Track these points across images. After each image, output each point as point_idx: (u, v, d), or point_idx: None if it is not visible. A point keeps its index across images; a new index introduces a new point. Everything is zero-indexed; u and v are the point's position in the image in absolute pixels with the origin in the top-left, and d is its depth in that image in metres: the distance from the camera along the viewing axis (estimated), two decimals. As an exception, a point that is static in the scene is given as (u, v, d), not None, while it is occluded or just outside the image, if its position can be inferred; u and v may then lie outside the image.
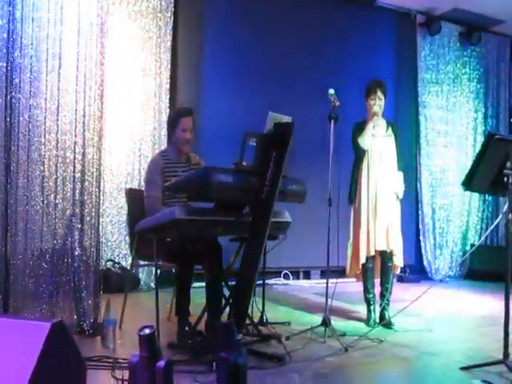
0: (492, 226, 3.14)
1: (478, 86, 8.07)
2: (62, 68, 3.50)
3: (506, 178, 2.96)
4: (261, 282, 4.03)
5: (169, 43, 5.95)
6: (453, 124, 7.88)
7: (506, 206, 3.00)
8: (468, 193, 7.90)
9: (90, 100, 3.64)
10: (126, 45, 5.74)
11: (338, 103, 3.87)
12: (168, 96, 5.93)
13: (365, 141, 4.36)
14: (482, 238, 3.34)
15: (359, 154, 4.39)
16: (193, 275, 3.55)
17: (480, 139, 8.04)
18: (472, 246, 7.87)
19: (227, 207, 3.21)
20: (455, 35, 7.84)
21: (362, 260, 4.36)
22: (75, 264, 3.58)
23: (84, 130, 3.59)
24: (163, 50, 5.91)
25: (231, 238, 3.64)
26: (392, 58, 7.40)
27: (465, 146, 7.99)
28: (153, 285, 5.69)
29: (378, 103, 4.40)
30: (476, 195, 7.99)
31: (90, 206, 3.63)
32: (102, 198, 5.48)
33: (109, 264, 5.63)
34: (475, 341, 4.08)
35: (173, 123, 3.81)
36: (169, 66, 5.95)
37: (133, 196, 3.87)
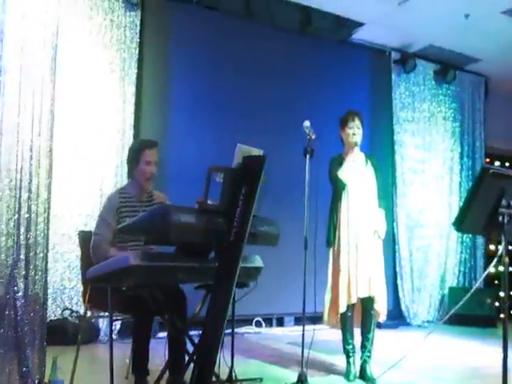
0: (488, 270, 2.83)
1: (454, 125, 7.94)
2: (4, 96, 3.12)
3: (500, 218, 2.65)
4: (229, 332, 3.65)
5: (134, 76, 5.64)
6: (429, 163, 7.69)
7: (501, 248, 2.68)
8: (445, 234, 7.73)
9: (41, 135, 3.27)
10: (88, 76, 5.40)
11: (313, 136, 3.59)
12: (132, 132, 5.58)
13: (345, 174, 4.04)
14: (478, 283, 3.03)
15: (339, 190, 4.06)
16: (151, 328, 3.13)
17: (456, 179, 7.92)
18: (451, 289, 7.61)
19: (190, 251, 2.82)
20: (430, 73, 7.74)
21: (342, 309, 3.99)
22: (18, 317, 3.14)
23: (31, 166, 3.19)
24: (127, 83, 5.59)
25: (196, 285, 3.24)
26: (367, 95, 7.22)
27: (441, 186, 7.79)
28: (114, 336, 5.22)
29: (357, 132, 4.11)
30: (454, 236, 7.81)
31: (38, 250, 3.21)
32: (57, 241, 5.14)
33: (66, 313, 5.15)
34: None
35: (135, 156, 3.45)
36: (133, 100, 5.62)
37: (86, 239, 3.46)
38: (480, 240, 8.06)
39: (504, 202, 2.64)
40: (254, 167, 2.72)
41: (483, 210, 2.67)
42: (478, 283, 3.11)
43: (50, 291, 5.02)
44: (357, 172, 4.11)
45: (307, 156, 3.58)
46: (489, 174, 2.57)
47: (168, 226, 2.48)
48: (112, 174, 5.41)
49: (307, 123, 3.64)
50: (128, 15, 5.63)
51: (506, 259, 2.67)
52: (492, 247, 8.42)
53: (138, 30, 5.69)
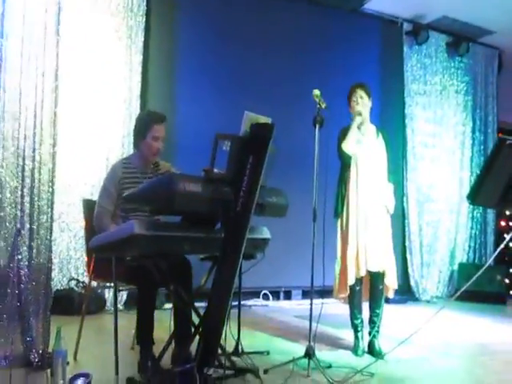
0: (502, 246, 2.72)
1: (466, 99, 7.80)
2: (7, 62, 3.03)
3: (516, 191, 2.56)
4: (236, 304, 3.61)
5: (140, 44, 5.52)
6: (440, 138, 7.56)
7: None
8: (455, 209, 7.64)
9: (43, 103, 3.18)
10: (93, 43, 5.30)
11: (324, 105, 3.47)
12: (139, 102, 5.49)
13: (348, 145, 3.94)
14: (491, 260, 2.94)
15: (345, 162, 3.96)
16: (155, 299, 3.08)
17: (468, 153, 7.79)
18: (460, 265, 7.54)
19: (196, 221, 2.75)
20: (442, 45, 7.55)
21: (351, 281, 3.92)
22: (22, 286, 3.10)
23: (34, 134, 3.12)
24: (134, 52, 5.48)
25: (202, 256, 3.18)
26: (378, 66, 7.05)
27: (452, 160, 7.68)
28: (120, 306, 5.21)
29: (360, 102, 4.01)
30: (464, 211, 7.73)
31: (43, 219, 3.15)
32: (64, 210, 5.10)
33: (72, 283, 5.14)
34: (472, 373, 3.72)
35: (142, 129, 3.34)
36: (140, 69, 5.51)
37: (90, 208, 3.40)
38: (491, 215, 7.97)
39: (520, 174, 2.55)
40: (262, 135, 2.63)
41: (498, 182, 2.58)
42: (491, 260, 3.01)
43: (56, 261, 5.07)
44: (366, 143, 4.02)
45: (317, 126, 3.47)
46: (506, 145, 2.47)
47: (173, 194, 2.40)
48: (118, 144, 5.35)
49: (317, 91, 3.52)
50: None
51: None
52: (503, 223, 8.34)
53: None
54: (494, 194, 2.62)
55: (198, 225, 2.76)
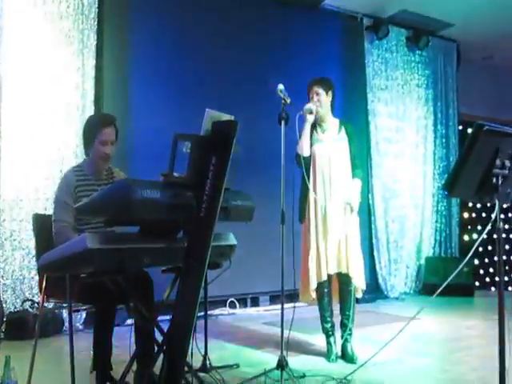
0: (481, 236, 2.57)
1: (427, 92, 7.77)
2: None
3: (495, 179, 2.41)
4: (202, 315, 3.39)
5: (93, 48, 5.22)
6: (403, 133, 7.51)
7: (495, 212, 2.44)
8: (420, 203, 7.60)
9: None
10: (42, 49, 4.97)
11: (288, 100, 3.29)
12: (93, 108, 5.18)
13: (303, 146, 3.77)
14: (471, 253, 2.79)
15: (300, 164, 3.76)
16: (114, 319, 2.83)
17: (430, 147, 7.78)
18: (427, 259, 7.51)
19: (155, 231, 2.51)
20: (403, 39, 7.51)
21: (313, 286, 3.78)
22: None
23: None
24: (86, 57, 5.17)
25: (164, 268, 2.93)
26: (339, 62, 6.92)
27: (416, 155, 7.64)
28: (80, 325, 4.92)
29: (315, 99, 3.84)
30: (429, 206, 7.74)
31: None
32: (15, 227, 4.78)
33: (26, 305, 4.79)
34: (451, 371, 3.61)
35: (90, 134, 3.06)
36: (93, 75, 5.21)
37: (41, 223, 3.11)
38: (455, 208, 8.00)
39: (498, 162, 2.40)
40: (225, 134, 2.41)
41: (476, 171, 2.42)
42: (471, 253, 2.87)
43: (8, 282, 4.78)
44: (324, 142, 3.85)
45: (282, 123, 3.27)
46: (483, 132, 2.32)
47: (129, 202, 2.15)
48: (72, 155, 5.02)
49: (281, 86, 3.33)
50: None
51: (501, 225, 2.44)
52: (466, 215, 8.36)
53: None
54: (471, 184, 2.47)
55: (158, 234, 2.52)
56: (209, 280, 3.24)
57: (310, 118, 3.80)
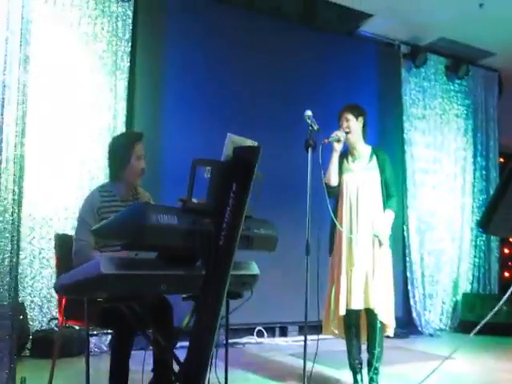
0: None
1: (467, 123, 7.58)
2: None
3: (533, 215, 2.26)
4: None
5: (125, 70, 5.29)
6: (440, 163, 7.32)
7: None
8: (458, 237, 7.36)
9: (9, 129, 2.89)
10: (75, 70, 5.07)
11: (316, 127, 3.20)
12: (124, 129, 5.21)
13: (330, 176, 3.67)
14: (510, 290, 2.60)
15: (329, 195, 3.67)
16: (132, 345, 2.76)
17: (470, 179, 7.55)
18: (464, 295, 7.22)
19: (173, 258, 2.44)
20: (441, 68, 7.37)
21: (332, 318, 3.69)
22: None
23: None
24: (119, 78, 5.24)
25: (184, 296, 2.86)
26: (375, 90, 6.82)
27: (454, 186, 7.42)
28: (105, 347, 4.87)
29: (344, 125, 3.72)
30: (467, 239, 7.47)
31: (5, 256, 2.85)
32: (44, 245, 4.82)
33: (53, 323, 4.79)
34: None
35: (124, 151, 3.03)
36: (125, 96, 5.27)
37: (63, 243, 3.10)
38: (494, 243, 7.70)
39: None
40: (247, 160, 2.34)
41: (513, 207, 2.27)
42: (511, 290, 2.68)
43: (36, 300, 4.82)
44: (354, 171, 3.74)
45: (309, 149, 3.19)
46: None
47: (143, 227, 2.09)
48: (102, 175, 5.03)
49: (309, 112, 3.25)
50: (120, 5, 5.31)
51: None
52: (506, 250, 8.06)
53: (130, 22, 5.36)
54: (508, 221, 2.31)
55: (175, 261, 2.45)
56: (231, 309, 3.14)
57: (338, 147, 3.69)
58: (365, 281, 3.61)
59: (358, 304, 3.59)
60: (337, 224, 3.66)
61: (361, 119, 3.78)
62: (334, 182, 3.69)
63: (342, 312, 3.61)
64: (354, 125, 3.74)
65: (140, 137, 3.13)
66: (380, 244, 3.65)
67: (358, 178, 3.71)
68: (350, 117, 3.74)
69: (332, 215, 3.64)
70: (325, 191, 3.65)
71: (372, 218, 3.67)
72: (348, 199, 3.69)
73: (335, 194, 3.70)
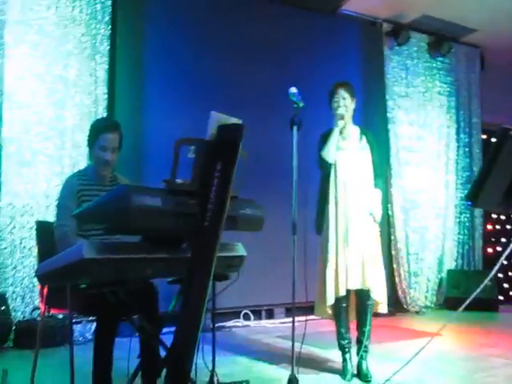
0: (508, 250, 2.38)
1: (449, 100, 7.56)
2: None
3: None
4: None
5: (106, 54, 5.16)
6: (424, 141, 7.30)
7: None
8: (442, 214, 7.37)
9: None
10: (54, 54, 4.93)
11: (301, 104, 3.14)
12: (105, 115, 5.09)
13: (329, 152, 3.62)
14: (497, 266, 2.60)
15: (324, 170, 3.64)
16: (116, 332, 2.70)
17: (453, 156, 7.55)
18: (449, 272, 7.26)
19: (158, 241, 2.38)
20: (424, 45, 7.31)
21: (330, 301, 3.62)
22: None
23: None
24: (99, 62, 5.11)
25: (170, 279, 2.80)
26: (358, 69, 6.75)
27: (437, 164, 7.41)
28: (90, 335, 4.79)
29: (342, 103, 3.68)
30: (451, 217, 7.48)
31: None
32: (26, 234, 4.73)
33: (35, 313, 4.70)
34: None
35: (91, 138, 2.99)
36: (106, 80, 5.15)
37: (43, 230, 3.02)
38: (478, 219, 7.76)
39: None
40: (231, 138, 2.27)
41: (502, 180, 2.25)
42: (496, 268, 2.68)
43: (17, 290, 4.74)
44: (348, 147, 3.70)
45: (294, 127, 3.13)
46: (510, 137, 2.15)
47: (128, 209, 2.02)
48: (83, 161, 4.93)
49: (294, 89, 3.17)
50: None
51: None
52: (489, 226, 8.11)
53: (109, 4, 5.21)
54: (496, 194, 2.29)
55: (160, 244, 2.39)
56: (217, 291, 3.09)
57: (340, 124, 3.67)
58: (361, 260, 3.59)
59: (355, 284, 3.58)
60: (331, 201, 3.61)
61: (354, 99, 3.77)
62: (332, 158, 3.64)
63: (343, 292, 3.58)
64: (350, 104, 3.72)
65: (111, 127, 3.01)
66: (375, 222, 3.65)
67: (352, 157, 3.68)
68: (347, 95, 3.71)
69: (328, 189, 3.60)
70: (320, 165, 3.62)
71: (365, 196, 3.65)
72: (343, 177, 3.65)
73: (328, 170, 3.65)
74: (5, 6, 4.64)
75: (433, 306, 7.17)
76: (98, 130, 2.97)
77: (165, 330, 2.87)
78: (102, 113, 5.11)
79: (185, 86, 5.56)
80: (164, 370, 2.51)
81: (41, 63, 4.86)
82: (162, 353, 2.62)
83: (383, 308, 3.75)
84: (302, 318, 3.38)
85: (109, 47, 5.19)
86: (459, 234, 7.58)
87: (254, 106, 5.64)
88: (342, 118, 3.67)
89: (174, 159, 2.22)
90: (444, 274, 7.32)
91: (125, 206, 2.04)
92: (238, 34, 5.91)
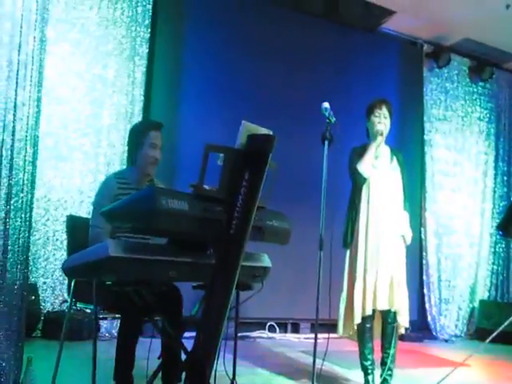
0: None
1: (489, 126, 7.45)
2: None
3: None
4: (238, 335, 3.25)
5: (144, 56, 5.31)
6: (461, 166, 7.20)
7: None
8: (477, 242, 7.23)
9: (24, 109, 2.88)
10: (94, 54, 5.11)
11: (333, 120, 3.14)
12: (141, 116, 5.23)
13: (365, 165, 3.57)
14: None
15: (358, 185, 3.59)
16: (139, 330, 2.74)
17: (490, 184, 7.41)
18: (481, 302, 7.09)
19: (184, 245, 2.41)
20: (465, 69, 7.25)
21: (357, 320, 3.54)
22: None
23: (13, 143, 2.82)
24: (137, 64, 5.26)
25: (195, 284, 2.82)
26: (396, 89, 6.71)
27: (474, 191, 7.30)
28: (115, 332, 4.86)
29: (382, 121, 3.64)
30: (486, 245, 7.32)
31: (16, 236, 2.85)
32: (59, 228, 4.86)
33: (64, 305, 4.80)
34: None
35: (139, 138, 3.05)
36: (143, 82, 5.29)
37: (74, 225, 3.09)
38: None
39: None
40: (261, 148, 2.30)
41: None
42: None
43: (48, 281, 4.87)
44: (380, 166, 3.66)
45: (325, 142, 3.14)
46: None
47: (153, 211, 2.06)
48: (118, 160, 5.09)
49: (326, 104, 3.18)
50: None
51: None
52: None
53: (150, 7, 5.37)
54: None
55: (186, 248, 2.42)
56: (241, 300, 3.10)
57: (379, 140, 3.64)
58: (390, 281, 3.54)
59: (382, 305, 3.52)
60: (361, 217, 3.58)
61: (392, 119, 3.73)
62: (368, 173, 3.59)
63: (369, 312, 3.53)
64: (388, 123, 3.69)
65: (158, 126, 3.12)
66: (404, 244, 3.62)
67: (385, 176, 3.64)
68: (388, 114, 3.68)
69: (358, 204, 3.58)
70: (353, 179, 3.60)
71: (397, 217, 3.62)
72: (376, 196, 3.59)
73: (362, 184, 3.60)
74: (49, 4, 4.80)
75: (463, 335, 7.02)
76: (146, 129, 3.05)
77: (187, 334, 2.91)
78: (138, 113, 5.24)
79: (220, 91, 5.63)
80: (184, 374, 2.55)
81: (81, 61, 5.03)
82: (183, 357, 2.66)
83: (403, 330, 3.69)
84: (325, 335, 3.36)
85: (147, 50, 5.34)
86: (493, 263, 7.40)
87: (288, 119, 5.68)
88: (382, 134, 3.64)
89: (202, 164, 2.25)
90: (476, 304, 7.15)
91: (151, 208, 2.09)
92: (277, 44, 5.96)
